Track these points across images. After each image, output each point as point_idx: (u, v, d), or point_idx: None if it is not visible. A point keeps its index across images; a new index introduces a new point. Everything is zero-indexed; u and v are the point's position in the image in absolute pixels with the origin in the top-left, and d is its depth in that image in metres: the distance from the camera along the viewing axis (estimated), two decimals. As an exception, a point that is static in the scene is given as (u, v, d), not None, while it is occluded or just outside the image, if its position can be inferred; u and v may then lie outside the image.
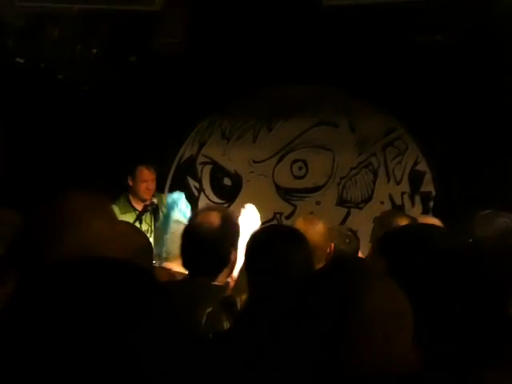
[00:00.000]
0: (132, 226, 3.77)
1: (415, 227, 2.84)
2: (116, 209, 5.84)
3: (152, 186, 5.94)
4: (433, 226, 2.96)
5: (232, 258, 3.07)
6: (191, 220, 3.24)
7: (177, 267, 3.47)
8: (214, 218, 3.11)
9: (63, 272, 1.20)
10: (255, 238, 2.67)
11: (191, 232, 3.11)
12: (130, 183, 5.92)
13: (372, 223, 6.60)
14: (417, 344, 1.45)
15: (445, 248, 2.08)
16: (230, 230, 3.14)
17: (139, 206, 5.82)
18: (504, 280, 1.93)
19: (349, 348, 1.38)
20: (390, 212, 5.19)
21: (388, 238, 2.31)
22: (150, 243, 2.99)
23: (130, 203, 5.90)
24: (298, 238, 2.66)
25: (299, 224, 3.97)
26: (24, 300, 1.16)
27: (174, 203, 3.72)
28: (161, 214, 4.84)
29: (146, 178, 5.92)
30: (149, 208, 5.76)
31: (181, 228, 3.43)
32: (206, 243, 3.01)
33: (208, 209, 3.35)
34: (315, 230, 3.86)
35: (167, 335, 1.18)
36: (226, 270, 3.07)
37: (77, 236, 1.67)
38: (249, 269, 2.61)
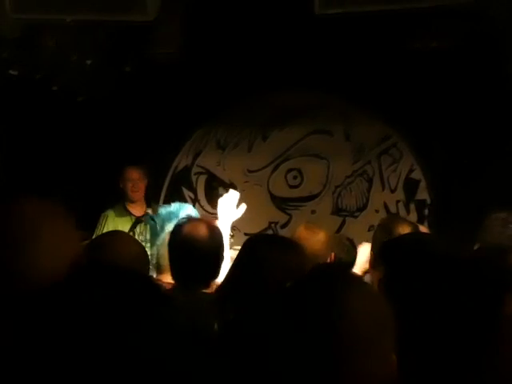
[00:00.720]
0: (127, 235, 3.76)
1: (414, 236, 2.85)
2: (111, 213, 5.86)
3: (140, 185, 5.99)
4: (431, 235, 2.98)
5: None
6: (177, 232, 3.20)
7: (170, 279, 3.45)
8: (203, 230, 3.11)
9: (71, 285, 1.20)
10: (247, 246, 2.68)
11: (181, 244, 3.09)
12: (120, 185, 5.96)
13: (367, 232, 6.70)
14: (403, 353, 1.45)
15: (442, 257, 2.09)
16: (218, 240, 3.14)
17: (135, 211, 5.84)
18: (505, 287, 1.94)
19: (330, 353, 1.38)
20: (392, 218, 5.18)
21: (387, 247, 2.32)
22: (145, 252, 2.97)
23: (126, 208, 5.91)
24: (291, 246, 2.67)
25: (301, 233, 3.99)
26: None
27: (172, 214, 3.69)
28: (157, 225, 4.84)
29: (133, 177, 5.97)
30: (142, 218, 5.77)
31: None
32: (201, 255, 3.01)
33: (192, 220, 3.32)
34: (317, 239, 3.89)
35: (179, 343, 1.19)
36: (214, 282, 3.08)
37: (31, 246, 1.50)
38: (240, 275, 2.61)
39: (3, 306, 1.38)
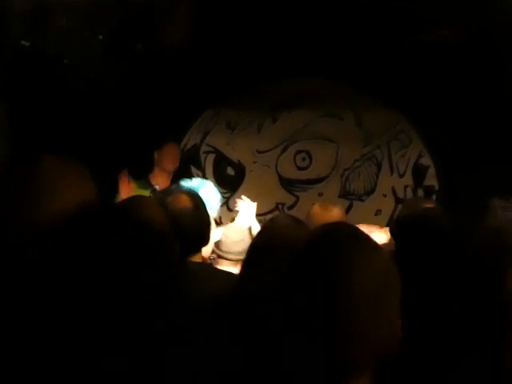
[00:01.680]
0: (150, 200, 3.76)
1: (426, 212, 2.86)
2: (135, 184, 5.93)
3: (176, 163, 6.18)
4: (443, 212, 2.99)
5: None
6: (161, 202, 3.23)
7: None
8: (185, 202, 3.13)
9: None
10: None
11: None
12: (156, 157, 6.09)
13: (374, 216, 6.71)
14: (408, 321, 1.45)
15: (451, 234, 2.10)
16: (202, 214, 3.16)
17: (158, 186, 5.90)
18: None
19: (335, 313, 1.38)
20: (417, 198, 5.16)
21: (399, 223, 2.33)
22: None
23: (149, 182, 5.96)
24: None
25: (315, 210, 4.01)
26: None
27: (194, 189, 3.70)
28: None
29: (173, 154, 6.18)
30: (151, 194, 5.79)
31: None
32: (191, 224, 3.02)
33: (174, 191, 3.33)
34: (330, 215, 3.90)
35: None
36: (196, 256, 3.10)
37: (52, 204, 1.53)
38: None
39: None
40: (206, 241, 3.13)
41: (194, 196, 3.26)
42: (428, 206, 3.83)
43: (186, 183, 3.83)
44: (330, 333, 1.38)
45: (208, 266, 3.10)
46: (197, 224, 3.09)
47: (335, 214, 4.07)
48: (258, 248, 2.60)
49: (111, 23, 5.47)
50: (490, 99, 6.07)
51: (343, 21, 5.83)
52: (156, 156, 6.10)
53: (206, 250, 3.57)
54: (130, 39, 5.79)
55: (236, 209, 4.76)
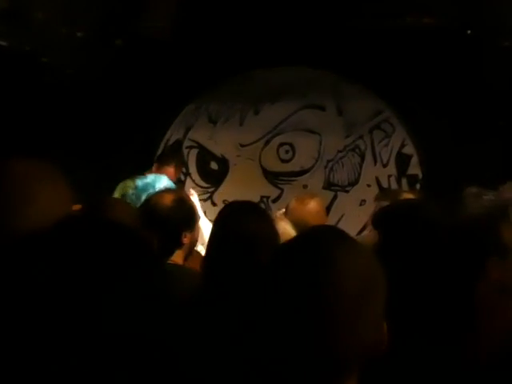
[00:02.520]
0: (120, 200, 3.78)
1: (408, 202, 2.86)
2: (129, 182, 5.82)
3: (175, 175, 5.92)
4: (424, 201, 2.99)
5: (185, 240, 3.09)
6: (146, 201, 3.26)
7: None
8: (167, 199, 3.14)
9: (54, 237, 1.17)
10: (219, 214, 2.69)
11: (144, 212, 3.12)
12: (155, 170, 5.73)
13: (359, 206, 6.71)
14: (390, 315, 1.44)
15: (433, 224, 2.10)
16: (183, 211, 3.15)
17: None
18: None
19: (319, 314, 1.36)
20: (396, 190, 5.17)
21: (382, 213, 2.33)
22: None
23: None
24: (259, 213, 2.69)
25: (293, 204, 4.01)
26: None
27: (149, 185, 3.71)
28: (131, 194, 4.85)
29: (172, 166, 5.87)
30: None
31: None
32: (158, 223, 3.02)
33: (163, 191, 3.36)
34: (306, 209, 3.88)
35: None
36: (178, 252, 3.09)
37: (23, 208, 1.48)
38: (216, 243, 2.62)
39: None
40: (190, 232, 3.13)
41: (175, 193, 3.27)
42: (405, 196, 3.83)
43: (141, 180, 3.84)
44: (314, 333, 1.36)
45: (181, 268, 3.08)
46: (178, 219, 3.09)
47: (312, 206, 4.06)
48: (217, 239, 2.59)
49: (89, 18, 5.43)
50: (475, 85, 6.08)
51: (323, 8, 5.83)
52: (154, 169, 5.75)
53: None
54: (109, 34, 5.75)
55: None
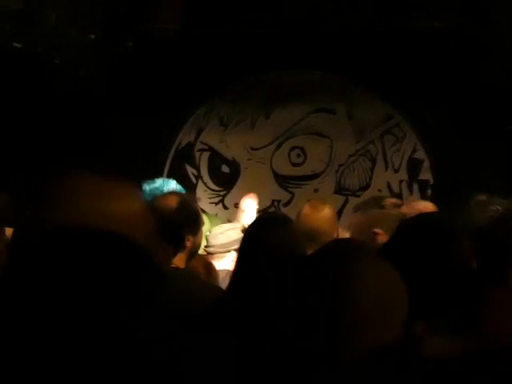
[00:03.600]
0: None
1: (422, 217, 2.85)
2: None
3: None
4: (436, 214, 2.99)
5: (188, 243, 3.08)
6: (151, 203, 3.25)
7: None
8: (171, 202, 3.13)
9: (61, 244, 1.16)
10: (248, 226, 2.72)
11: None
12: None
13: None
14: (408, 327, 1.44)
15: (444, 234, 2.10)
16: (186, 214, 3.14)
17: None
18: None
19: (341, 328, 1.37)
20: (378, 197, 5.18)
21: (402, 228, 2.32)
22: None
23: None
24: (282, 223, 2.70)
25: (306, 210, 3.99)
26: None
27: (157, 190, 3.73)
28: None
29: None
30: None
31: None
32: (161, 224, 3.01)
33: (168, 193, 3.36)
34: (320, 216, 3.87)
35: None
36: (181, 255, 3.07)
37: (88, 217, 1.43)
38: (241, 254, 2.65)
39: None
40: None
41: (180, 195, 3.27)
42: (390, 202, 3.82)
43: (149, 185, 3.85)
44: (334, 343, 1.37)
45: (182, 272, 3.08)
46: (181, 221, 3.09)
47: (326, 213, 4.03)
48: (245, 251, 2.61)
49: (100, 20, 5.46)
50: (486, 90, 6.05)
51: (334, 12, 5.82)
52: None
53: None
54: (120, 36, 5.77)
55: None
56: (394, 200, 3.90)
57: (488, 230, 2.29)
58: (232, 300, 2.50)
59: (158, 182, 3.80)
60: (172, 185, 3.83)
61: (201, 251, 3.89)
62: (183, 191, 3.86)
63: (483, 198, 3.75)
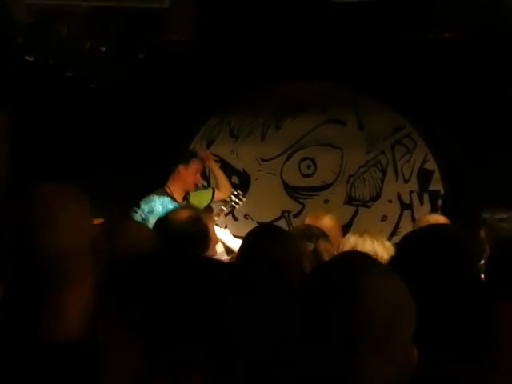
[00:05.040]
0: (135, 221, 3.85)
1: (431, 229, 2.84)
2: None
3: (200, 180, 6.17)
4: (437, 225, 2.99)
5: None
6: (163, 216, 3.30)
7: None
8: (182, 215, 3.16)
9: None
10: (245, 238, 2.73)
11: (160, 227, 3.15)
12: (181, 171, 5.88)
13: (380, 221, 6.69)
14: (416, 341, 1.44)
15: (455, 247, 2.10)
16: (196, 229, 3.17)
17: (179, 198, 5.71)
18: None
19: (350, 339, 1.37)
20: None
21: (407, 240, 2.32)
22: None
23: (168, 193, 5.77)
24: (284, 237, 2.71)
25: (307, 220, 4.01)
26: None
27: (154, 207, 3.78)
28: (139, 218, 4.87)
29: (200, 170, 6.04)
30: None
31: None
32: (171, 238, 3.03)
33: (181, 207, 3.41)
34: (321, 224, 3.88)
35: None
36: None
37: (49, 233, 1.49)
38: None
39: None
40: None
41: (193, 210, 3.31)
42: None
43: (146, 202, 3.90)
44: (343, 356, 1.37)
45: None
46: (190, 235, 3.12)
47: (326, 222, 4.07)
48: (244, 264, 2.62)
49: (112, 32, 5.48)
50: (497, 102, 6.05)
51: (346, 24, 5.83)
52: (180, 171, 5.90)
53: None
54: (132, 48, 5.80)
55: None
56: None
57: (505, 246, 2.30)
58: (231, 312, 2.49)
59: (155, 200, 3.84)
60: (165, 201, 3.87)
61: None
62: (177, 206, 3.90)
63: (504, 215, 3.76)
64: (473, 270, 2.06)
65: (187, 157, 6.05)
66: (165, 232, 3.06)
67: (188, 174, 5.88)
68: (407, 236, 2.40)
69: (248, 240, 2.72)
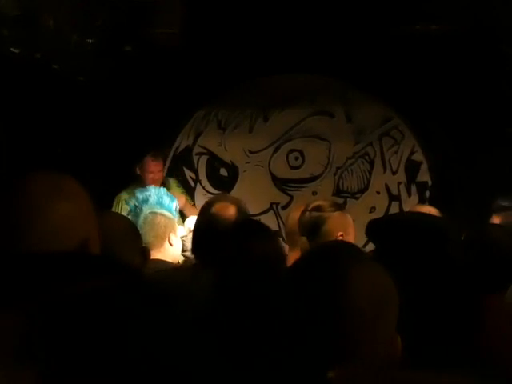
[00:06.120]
0: (116, 213, 3.85)
1: (401, 214, 2.86)
2: (125, 196, 5.85)
3: (159, 176, 6.06)
4: (420, 213, 3.00)
5: None
6: (206, 213, 3.27)
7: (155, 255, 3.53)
8: (231, 211, 3.16)
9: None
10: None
11: (207, 222, 3.14)
12: (138, 172, 6.01)
13: (369, 213, 6.70)
14: (399, 330, 1.45)
15: (431, 235, 2.10)
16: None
17: None
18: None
19: (334, 329, 1.37)
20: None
21: (375, 225, 2.33)
22: (134, 227, 2.99)
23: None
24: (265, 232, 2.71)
25: (290, 211, 4.01)
26: None
27: (149, 197, 3.76)
28: (133, 206, 4.88)
29: (153, 170, 6.03)
30: None
31: (158, 219, 3.61)
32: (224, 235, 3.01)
33: (221, 200, 3.38)
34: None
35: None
36: None
37: (39, 223, 1.41)
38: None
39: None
40: None
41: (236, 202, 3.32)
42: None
43: (141, 192, 3.88)
44: (327, 346, 1.37)
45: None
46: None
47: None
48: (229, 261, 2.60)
49: (99, 25, 5.46)
50: (483, 92, 6.07)
51: (332, 14, 5.84)
52: (138, 171, 6.03)
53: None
54: (119, 41, 5.78)
55: None
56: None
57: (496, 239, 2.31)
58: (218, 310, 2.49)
59: (150, 190, 3.84)
60: (161, 192, 3.86)
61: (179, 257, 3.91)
62: (174, 199, 3.90)
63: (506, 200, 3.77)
64: (458, 260, 2.06)
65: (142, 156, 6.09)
66: (217, 231, 3.05)
67: (144, 174, 5.99)
68: (389, 222, 2.40)
69: (231, 238, 2.69)
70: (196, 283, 2.83)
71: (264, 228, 2.80)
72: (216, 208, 3.23)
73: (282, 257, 2.65)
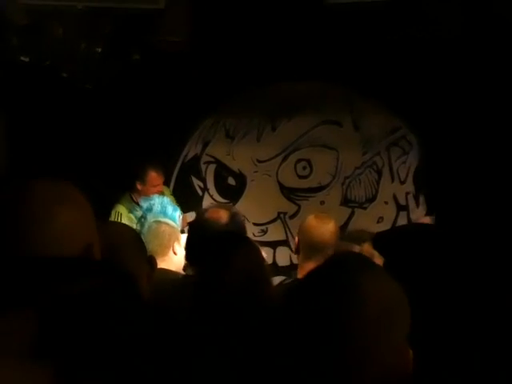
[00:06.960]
0: (121, 224, 3.87)
1: (410, 226, 2.84)
2: (122, 208, 5.87)
3: (161, 188, 6.04)
4: (428, 225, 2.99)
5: None
6: (199, 216, 3.30)
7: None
8: (223, 215, 3.16)
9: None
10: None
11: (198, 227, 3.15)
12: (139, 187, 5.98)
13: (376, 223, 6.68)
14: (410, 340, 1.44)
15: (440, 246, 2.09)
16: (237, 227, 3.18)
17: None
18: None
19: (344, 339, 1.37)
20: None
21: (384, 236, 2.32)
22: (140, 237, 2.99)
23: (134, 201, 5.90)
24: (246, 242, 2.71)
25: (310, 221, 3.99)
26: None
27: (153, 206, 3.77)
28: (138, 215, 4.91)
29: (156, 183, 6.02)
30: None
31: (162, 227, 3.60)
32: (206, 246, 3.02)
33: (215, 206, 3.41)
34: (326, 229, 3.87)
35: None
36: None
37: (43, 230, 1.41)
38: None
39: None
40: None
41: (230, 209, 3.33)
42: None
43: (145, 201, 3.88)
44: (336, 355, 1.37)
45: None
46: None
47: (332, 227, 4.04)
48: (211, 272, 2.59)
49: (107, 33, 5.48)
50: (494, 102, 6.05)
51: (341, 24, 5.84)
52: (139, 186, 6.01)
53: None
54: (127, 49, 5.79)
55: None
56: None
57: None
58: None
59: (154, 199, 3.85)
60: (165, 201, 3.87)
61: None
62: (177, 209, 3.91)
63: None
64: (469, 271, 2.05)
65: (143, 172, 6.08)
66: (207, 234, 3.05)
67: (146, 188, 5.94)
68: (399, 233, 2.39)
69: (211, 249, 2.67)
70: (184, 291, 2.84)
71: (245, 240, 2.79)
72: (207, 215, 3.24)
73: (264, 269, 2.62)
